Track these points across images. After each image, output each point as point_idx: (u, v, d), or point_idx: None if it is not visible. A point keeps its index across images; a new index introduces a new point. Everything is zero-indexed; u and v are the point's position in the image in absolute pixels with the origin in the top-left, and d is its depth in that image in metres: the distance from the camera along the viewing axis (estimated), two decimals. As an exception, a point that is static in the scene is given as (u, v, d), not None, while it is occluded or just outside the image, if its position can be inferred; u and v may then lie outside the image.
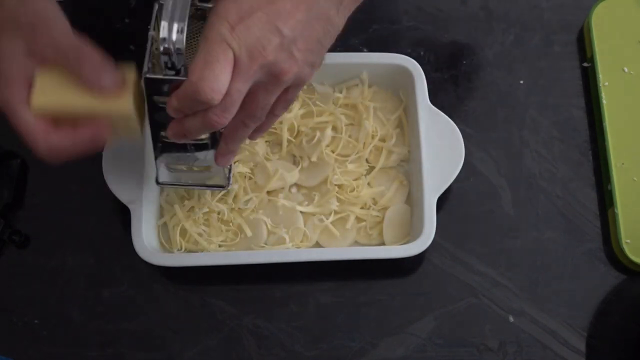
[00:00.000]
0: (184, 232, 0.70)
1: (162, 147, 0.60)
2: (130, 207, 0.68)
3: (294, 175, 0.71)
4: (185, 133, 0.54)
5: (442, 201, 0.68)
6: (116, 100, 0.54)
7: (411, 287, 0.71)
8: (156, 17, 0.54)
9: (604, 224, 0.72)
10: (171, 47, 0.50)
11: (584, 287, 0.70)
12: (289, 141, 0.72)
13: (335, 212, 0.70)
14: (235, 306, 0.70)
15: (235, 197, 0.71)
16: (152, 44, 0.53)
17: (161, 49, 0.50)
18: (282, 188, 0.71)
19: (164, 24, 0.49)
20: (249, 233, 0.69)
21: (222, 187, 0.67)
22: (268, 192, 0.71)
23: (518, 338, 0.69)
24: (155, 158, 0.62)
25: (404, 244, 0.69)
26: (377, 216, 0.71)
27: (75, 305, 0.71)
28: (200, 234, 0.70)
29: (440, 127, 0.70)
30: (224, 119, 0.52)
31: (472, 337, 0.69)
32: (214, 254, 0.69)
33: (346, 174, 0.71)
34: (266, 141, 0.72)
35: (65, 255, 0.72)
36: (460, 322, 0.69)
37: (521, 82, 0.77)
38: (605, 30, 0.76)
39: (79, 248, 0.72)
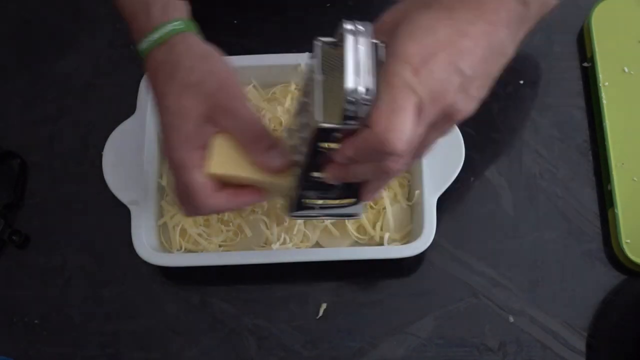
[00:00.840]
0: (184, 232, 0.70)
1: (308, 185, 0.56)
2: (130, 207, 0.68)
3: (294, 175, 0.71)
4: (350, 178, 0.52)
5: (442, 201, 0.68)
6: (282, 175, 0.56)
7: (411, 287, 0.70)
8: (323, 58, 0.49)
9: (604, 224, 0.72)
10: (359, 97, 0.45)
11: (584, 287, 0.70)
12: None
13: (335, 212, 0.70)
14: (235, 306, 0.70)
15: (235, 197, 0.71)
16: (323, 90, 0.48)
17: (346, 98, 0.45)
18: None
19: (349, 71, 0.45)
20: (249, 233, 0.69)
21: (356, 215, 0.61)
22: (268, 192, 0.71)
23: (518, 338, 0.69)
24: (297, 195, 0.57)
25: (404, 244, 0.69)
26: (377, 216, 0.71)
27: (75, 305, 0.71)
28: (200, 234, 0.70)
29: (440, 127, 0.70)
30: (400, 166, 0.49)
31: (472, 337, 0.69)
32: (214, 254, 0.69)
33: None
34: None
35: (65, 255, 0.72)
36: (460, 322, 0.69)
37: (521, 82, 0.77)
38: (605, 30, 0.76)
39: (79, 248, 0.72)
